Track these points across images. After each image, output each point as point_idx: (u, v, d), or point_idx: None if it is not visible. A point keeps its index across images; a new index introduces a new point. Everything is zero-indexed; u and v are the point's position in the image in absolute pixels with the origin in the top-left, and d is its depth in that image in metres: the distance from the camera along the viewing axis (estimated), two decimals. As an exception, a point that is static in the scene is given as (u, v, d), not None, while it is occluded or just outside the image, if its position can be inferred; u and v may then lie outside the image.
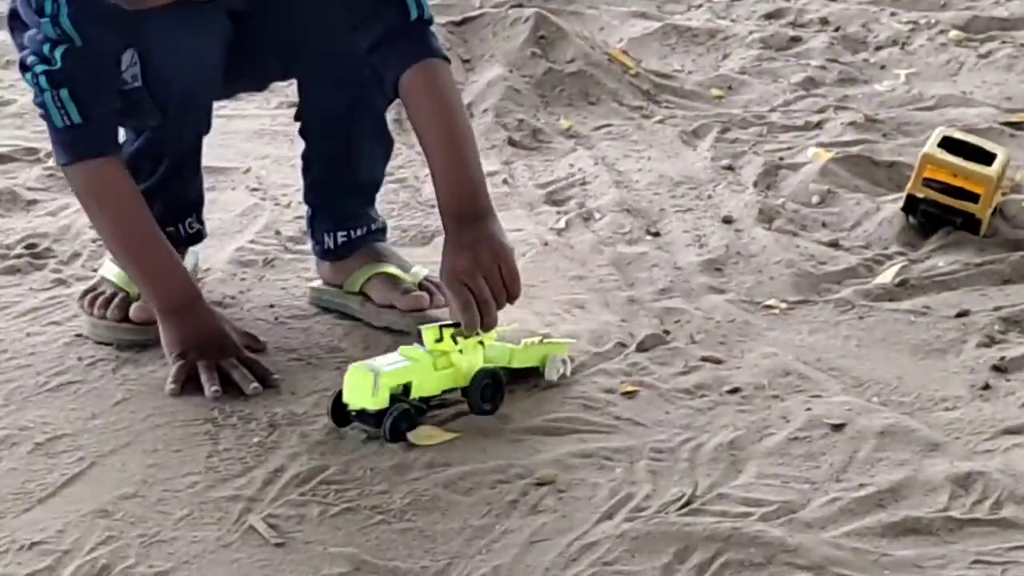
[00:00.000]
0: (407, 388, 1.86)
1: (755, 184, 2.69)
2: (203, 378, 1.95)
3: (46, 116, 1.99)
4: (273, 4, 2.09)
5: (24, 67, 1.99)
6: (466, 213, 1.96)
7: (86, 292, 2.14)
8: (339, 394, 1.85)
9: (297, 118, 2.26)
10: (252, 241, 2.43)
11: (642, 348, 2.07)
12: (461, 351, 1.89)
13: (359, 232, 2.20)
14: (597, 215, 2.56)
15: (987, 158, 2.45)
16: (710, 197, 2.65)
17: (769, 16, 3.87)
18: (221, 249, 2.42)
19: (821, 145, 2.89)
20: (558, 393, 1.95)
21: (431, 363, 1.88)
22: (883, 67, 3.55)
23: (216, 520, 1.63)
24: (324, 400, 1.88)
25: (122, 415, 1.88)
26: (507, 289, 1.96)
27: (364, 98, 2.14)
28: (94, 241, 2.43)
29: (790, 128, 3.07)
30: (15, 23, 2.02)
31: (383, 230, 2.25)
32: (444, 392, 1.91)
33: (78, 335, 2.11)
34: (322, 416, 1.85)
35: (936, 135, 2.50)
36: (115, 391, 1.94)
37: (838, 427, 1.83)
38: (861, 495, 1.68)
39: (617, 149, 2.93)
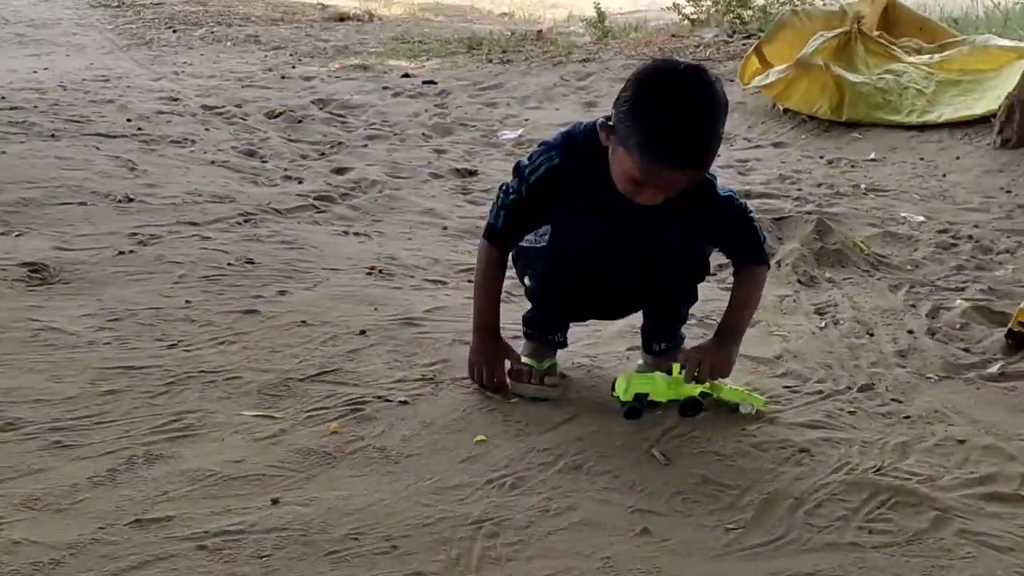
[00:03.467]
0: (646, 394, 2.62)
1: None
2: (482, 375, 2.66)
3: (496, 205, 2.61)
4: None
5: (515, 170, 2.59)
6: (724, 335, 2.72)
7: (519, 371, 2.73)
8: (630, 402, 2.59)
9: None
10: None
11: (862, 390, 2.90)
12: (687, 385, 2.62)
13: (672, 344, 2.93)
14: (841, 322, 3.57)
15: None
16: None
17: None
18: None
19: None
20: (796, 415, 2.72)
21: (666, 384, 2.64)
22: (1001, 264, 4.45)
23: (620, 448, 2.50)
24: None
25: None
26: (710, 374, 2.64)
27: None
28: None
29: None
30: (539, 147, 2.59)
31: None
32: (669, 401, 2.64)
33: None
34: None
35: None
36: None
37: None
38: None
39: (841, 292, 3.93)
